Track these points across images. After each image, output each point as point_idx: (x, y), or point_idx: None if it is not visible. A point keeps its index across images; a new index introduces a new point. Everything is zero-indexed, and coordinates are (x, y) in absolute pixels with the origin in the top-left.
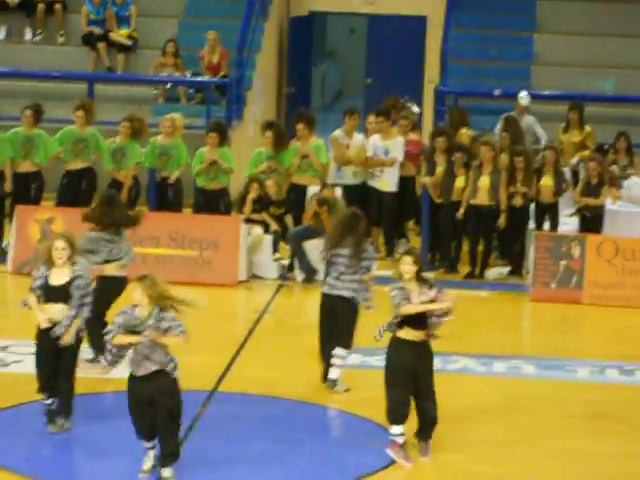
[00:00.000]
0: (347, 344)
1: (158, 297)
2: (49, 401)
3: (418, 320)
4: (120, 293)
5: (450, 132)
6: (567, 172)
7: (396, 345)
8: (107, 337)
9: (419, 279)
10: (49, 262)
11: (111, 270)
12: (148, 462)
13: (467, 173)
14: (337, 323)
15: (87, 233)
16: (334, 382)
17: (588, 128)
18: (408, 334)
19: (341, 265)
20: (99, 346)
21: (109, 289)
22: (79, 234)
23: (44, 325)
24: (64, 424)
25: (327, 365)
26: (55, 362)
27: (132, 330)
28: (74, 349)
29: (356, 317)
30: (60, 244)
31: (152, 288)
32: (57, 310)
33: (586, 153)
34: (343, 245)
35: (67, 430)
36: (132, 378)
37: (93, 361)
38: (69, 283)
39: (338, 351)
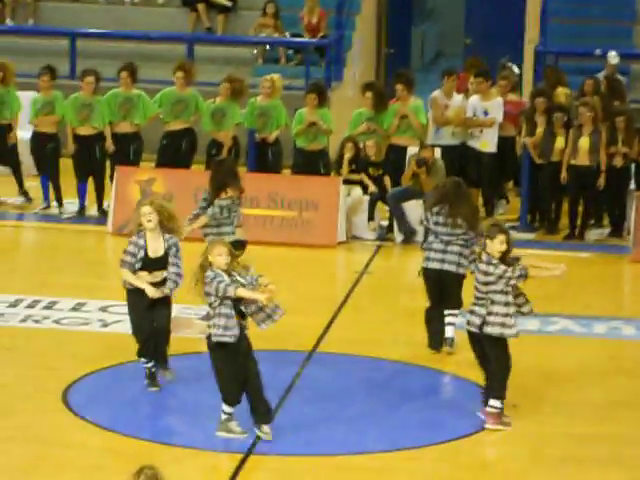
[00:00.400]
0: (458, 304)
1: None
2: (150, 364)
3: None
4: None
5: (550, 92)
6: None
7: None
8: (230, 290)
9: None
10: (141, 228)
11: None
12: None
13: (567, 133)
14: (446, 291)
15: (217, 201)
16: (452, 340)
17: None
18: None
19: (446, 235)
20: None
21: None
22: (178, 195)
23: (155, 295)
24: (166, 375)
25: (436, 330)
26: (152, 323)
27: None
28: (168, 307)
29: (463, 280)
30: (146, 209)
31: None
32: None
33: None
34: (452, 215)
35: (170, 381)
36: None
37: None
38: (166, 253)
39: (450, 311)
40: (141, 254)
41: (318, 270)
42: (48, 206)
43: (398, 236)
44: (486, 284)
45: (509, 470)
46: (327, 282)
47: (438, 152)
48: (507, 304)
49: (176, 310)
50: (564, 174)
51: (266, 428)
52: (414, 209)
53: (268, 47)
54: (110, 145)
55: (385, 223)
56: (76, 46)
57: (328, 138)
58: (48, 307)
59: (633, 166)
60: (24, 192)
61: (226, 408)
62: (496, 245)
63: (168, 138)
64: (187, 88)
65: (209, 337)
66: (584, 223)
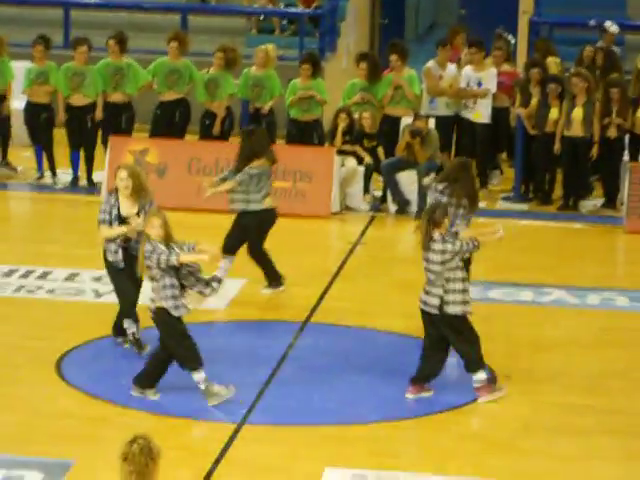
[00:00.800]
0: None
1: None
2: (133, 329)
3: None
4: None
5: (544, 63)
6: None
7: None
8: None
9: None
10: (115, 191)
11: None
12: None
13: (561, 104)
14: None
15: (248, 169)
16: None
17: None
18: None
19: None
20: (273, 274)
21: (265, 222)
22: (172, 165)
23: (138, 226)
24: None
25: None
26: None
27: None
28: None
29: None
30: (122, 174)
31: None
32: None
33: None
34: (457, 194)
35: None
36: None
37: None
38: (138, 213)
39: None
40: (114, 212)
41: (312, 241)
42: (42, 176)
43: (392, 206)
44: (443, 263)
45: (501, 439)
46: (321, 253)
47: (432, 123)
48: (464, 280)
49: None
50: (558, 145)
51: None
52: (408, 179)
53: (262, 17)
54: (99, 114)
55: (379, 194)
56: (70, 16)
57: (322, 109)
58: (42, 277)
59: (627, 137)
60: (6, 163)
61: (196, 375)
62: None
63: (162, 108)
64: (181, 58)
65: (156, 311)
66: (577, 194)
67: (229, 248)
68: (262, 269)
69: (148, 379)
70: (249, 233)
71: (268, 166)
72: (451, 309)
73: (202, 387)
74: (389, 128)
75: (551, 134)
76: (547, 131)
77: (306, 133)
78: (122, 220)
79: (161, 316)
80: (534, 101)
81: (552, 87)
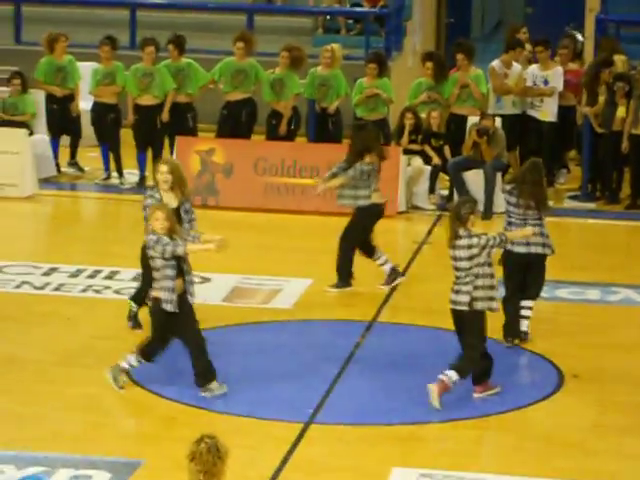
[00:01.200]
0: (537, 295)
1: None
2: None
3: None
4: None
5: (612, 61)
6: None
7: None
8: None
9: None
10: (156, 186)
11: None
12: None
13: (628, 103)
14: (531, 277)
15: (359, 165)
16: (527, 334)
17: None
18: None
19: (517, 216)
20: (345, 273)
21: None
22: (238, 165)
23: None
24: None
25: (512, 317)
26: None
27: None
28: None
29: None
30: (163, 168)
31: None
32: None
33: None
34: (524, 196)
35: None
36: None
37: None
38: (178, 208)
39: (528, 303)
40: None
41: (378, 240)
42: (109, 177)
43: None
44: (470, 258)
45: (571, 440)
46: (387, 252)
47: (499, 122)
48: (492, 276)
49: (236, 280)
50: (626, 144)
51: (214, 384)
52: (475, 178)
53: (328, 17)
54: (166, 114)
55: (445, 193)
56: (136, 16)
57: (388, 108)
58: (109, 277)
59: None
60: (74, 162)
61: (133, 360)
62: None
63: (228, 108)
64: (247, 58)
65: (152, 300)
66: None
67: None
68: (338, 262)
69: (204, 375)
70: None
71: (378, 161)
72: (479, 305)
73: (123, 365)
74: (456, 127)
75: (619, 132)
76: (614, 129)
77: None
78: None
79: (154, 306)
80: (601, 99)
81: (619, 85)
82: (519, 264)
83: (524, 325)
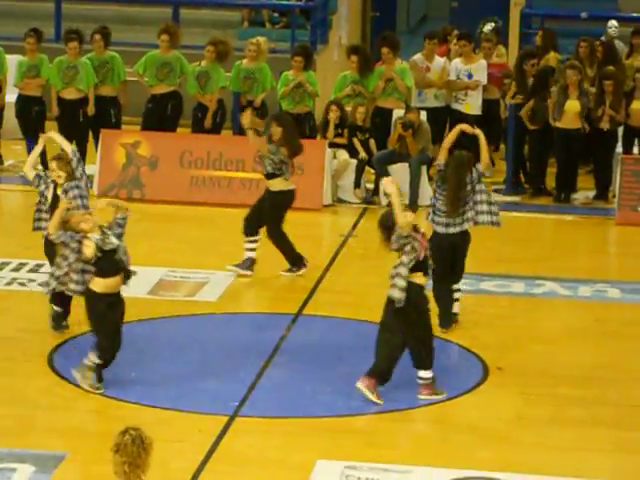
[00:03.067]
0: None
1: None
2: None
3: None
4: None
5: (534, 53)
6: None
7: None
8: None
9: None
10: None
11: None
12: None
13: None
14: (457, 259)
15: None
16: (457, 315)
17: None
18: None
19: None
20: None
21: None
22: (163, 158)
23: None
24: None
25: (447, 303)
26: None
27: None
28: None
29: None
30: (52, 165)
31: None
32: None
33: None
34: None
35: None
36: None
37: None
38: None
39: (459, 286)
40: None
41: (304, 233)
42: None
43: (383, 199)
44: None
45: (494, 431)
46: (313, 245)
47: (424, 115)
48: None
49: (161, 273)
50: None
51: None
52: (400, 172)
53: (252, 11)
54: (92, 108)
55: (371, 186)
56: (61, 9)
57: (314, 101)
58: (34, 270)
59: (620, 129)
60: None
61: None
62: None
63: (153, 102)
64: (172, 51)
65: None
66: (570, 186)
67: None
68: (281, 251)
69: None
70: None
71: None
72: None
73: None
74: (381, 120)
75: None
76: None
77: (298, 125)
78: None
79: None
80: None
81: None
82: (447, 246)
83: (457, 307)
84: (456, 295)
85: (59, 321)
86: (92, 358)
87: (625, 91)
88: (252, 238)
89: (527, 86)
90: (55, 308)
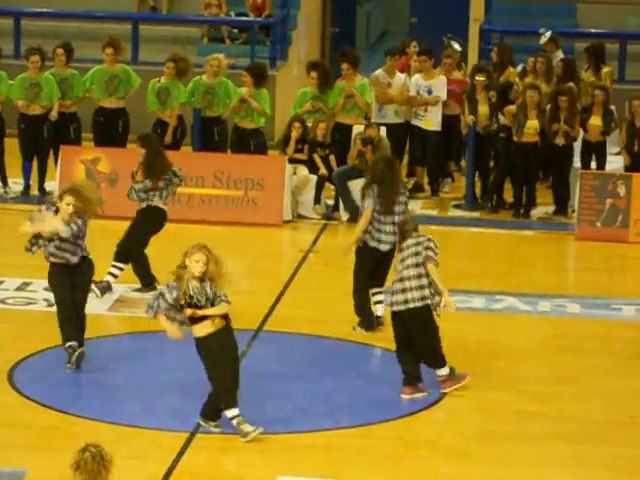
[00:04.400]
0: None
1: (218, 274)
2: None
3: None
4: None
5: (489, 70)
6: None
7: None
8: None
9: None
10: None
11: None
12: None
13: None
14: (381, 269)
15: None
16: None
17: (606, 68)
18: None
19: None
20: (145, 277)
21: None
22: (122, 175)
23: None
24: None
25: (367, 307)
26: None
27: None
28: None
29: None
30: (69, 199)
31: (217, 265)
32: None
33: None
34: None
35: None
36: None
37: (141, 290)
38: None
39: (379, 289)
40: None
41: (264, 249)
42: None
43: (344, 215)
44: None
45: (455, 446)
46: (273, 261)
47: (383, 131)
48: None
49: (122, 289)
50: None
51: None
52: (360, 187)
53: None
54: (55, 114)
55: (331, 202)
56: (21, 25)
57: (261, 119)
58: (20, 288)
59: (577, 144)
60: None
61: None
62: None
63: (102, 116)
64: (117, 64)
65: None
66: (529, 201)
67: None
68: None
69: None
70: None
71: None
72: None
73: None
74: (341, 136)
75: (526, 143)
76: (522, 140)
77: (244, 140)
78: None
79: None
80: (482, 108)
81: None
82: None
83: (380, 310)
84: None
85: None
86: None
87: (584, 106)
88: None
89: (477, 101)
90: (70, 344)
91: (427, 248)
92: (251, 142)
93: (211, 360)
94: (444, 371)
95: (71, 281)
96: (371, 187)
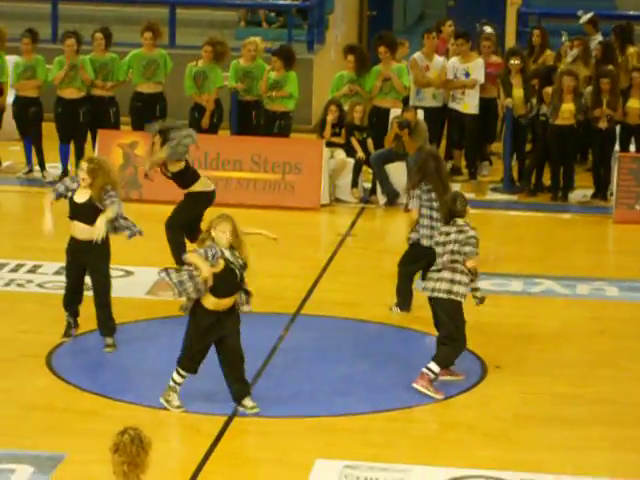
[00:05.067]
0: None
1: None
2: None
3: None
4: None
5: (524, 53)
6: None
7: None
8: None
9: None
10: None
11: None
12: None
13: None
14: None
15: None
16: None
17: (632, 49)
18: None
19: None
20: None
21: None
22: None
23: (47, 228)
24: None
25: (407, 288)
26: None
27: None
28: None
29: None
30: (84, 165)
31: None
32: (82, 229)
33: None
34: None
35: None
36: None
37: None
38: (89, 201)
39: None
40: (69, 195)
41: (302, 233)
42: (31, 170)
43: (381, 198)
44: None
45: (492, 429)
46: (311, 245)
47: (421, 114)
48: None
49: (155, 272)
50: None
51: (249, 401)
52: (397, 171)
53: (249, 11)
54: (89, 76)
55: (368, 185)
56: (58, 9)
57: (291, 101)
58: (32, 271)
59: (618, 128)
60: None
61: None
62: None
63: (140, 100)
64: (156, 49)
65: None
66: (567, 184)
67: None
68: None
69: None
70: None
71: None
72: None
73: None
74: (378, 120)
75: (561, 125)
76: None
77: (271, 123)
78: (72, 205)
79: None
80: (516, 91)
81: (534, 83)
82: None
83: None
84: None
85: (69, 329)
86: (175, 377)
87: (622, 89)
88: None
89: (511, 85)
90: (69, 317)
91: (466, 244)
92: (276, 124)
93: (194, 331)
94: (435, 368)
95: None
96: (419, 186)
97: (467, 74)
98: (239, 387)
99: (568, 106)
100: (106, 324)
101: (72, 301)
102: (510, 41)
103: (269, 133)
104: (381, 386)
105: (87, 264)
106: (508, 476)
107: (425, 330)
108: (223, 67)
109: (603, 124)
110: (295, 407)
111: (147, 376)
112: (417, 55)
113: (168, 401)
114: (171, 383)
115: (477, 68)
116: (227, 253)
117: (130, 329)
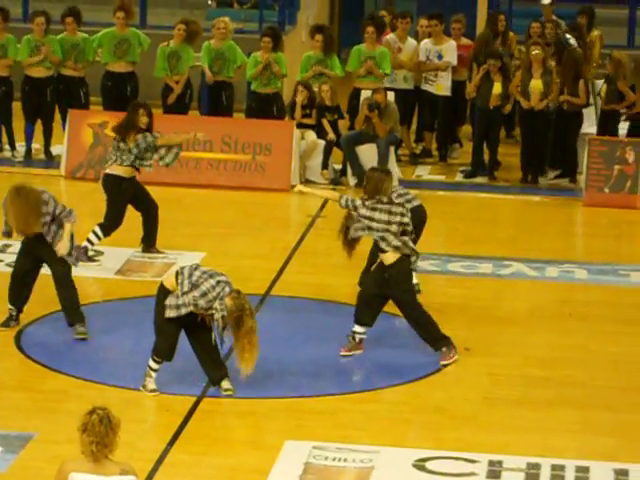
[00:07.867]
0: None
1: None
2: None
3: None
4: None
5: (489, 38)
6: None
7: None
8: None
9: None
10: None
11: None
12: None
13: (503, 79)
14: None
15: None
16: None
17: (596, 32)
18: None
19: None
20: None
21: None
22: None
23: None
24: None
25: None
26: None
27: None
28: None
29: None
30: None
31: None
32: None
33: None
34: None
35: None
36: None
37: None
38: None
39: None
40: None
41: (271, 214)
42: (1, 149)
43: (351, 180)
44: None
45: (462, 412)
46: (281, 226)
47: (391, 96)
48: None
49: (129, 253)
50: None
51: (227, 383)
52: (367, 153)
53: None
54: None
55: (339, 167)
56: None
57: (282, 82)
58: (1, 250)
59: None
60: None
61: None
62: None
63: (111, 80)
64: (127, 28)
65: None
66: (537, 167)
67: None
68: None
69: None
70: None
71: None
72: None
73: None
74: (358, 102)
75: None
76: (494, 105)
77: (266, 106)
78: None
79: None
80: (535, 83)
81: (491, 63)
82: None
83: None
84: None
85: (9, 320)
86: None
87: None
88: None
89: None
90: (10, 307)
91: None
92: (274, 107)
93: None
94: (360, 329)
95: None
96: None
97: (440, 56)
98: (217, 372)
99: (536, 83)
100: (73, 314)
101: (17, 293)
102: (481, 23)
103: (265, 116)
104: (350, 367)
105: (43, 255)
106: (477, 457)
107: (393, 311)
108: (195, 48)
109: (566, 105)
110: (264, 388)
111: (116, 356)
112: (390, 37)
113: (144, 386)
114: (147, 370)
115: (450, 50)
116: None
117: (100, 309)
